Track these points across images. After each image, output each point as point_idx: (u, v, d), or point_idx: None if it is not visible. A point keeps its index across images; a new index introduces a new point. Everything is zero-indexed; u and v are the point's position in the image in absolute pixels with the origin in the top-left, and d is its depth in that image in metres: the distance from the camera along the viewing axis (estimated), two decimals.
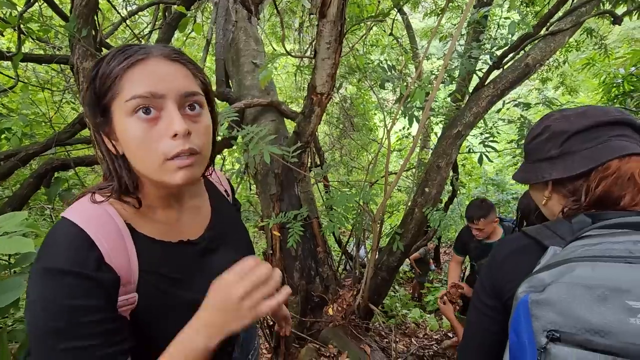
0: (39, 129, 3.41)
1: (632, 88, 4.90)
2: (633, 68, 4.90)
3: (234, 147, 2.64)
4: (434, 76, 2.18)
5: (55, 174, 2.69)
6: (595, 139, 0.63)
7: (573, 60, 5.64)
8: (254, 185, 2.79)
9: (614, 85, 5.04)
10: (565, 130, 0.66)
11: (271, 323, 2.56)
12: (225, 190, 0.84)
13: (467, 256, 2.50)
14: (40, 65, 3.79)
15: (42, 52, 3.63)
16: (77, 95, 3.52)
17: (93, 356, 0.48)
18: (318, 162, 3.05)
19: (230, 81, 2.92)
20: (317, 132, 5.62)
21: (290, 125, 2.99)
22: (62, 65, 3.13)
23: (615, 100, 5.05)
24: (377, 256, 2.46)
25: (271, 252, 2.41)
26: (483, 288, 0.69)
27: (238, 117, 2.13)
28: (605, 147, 0.62)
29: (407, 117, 2.21)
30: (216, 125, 0.64)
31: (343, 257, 3.41)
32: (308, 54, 3.88)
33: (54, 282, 0.48)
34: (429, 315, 3.71)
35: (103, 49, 2.39)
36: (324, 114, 5.13)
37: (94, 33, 1.97)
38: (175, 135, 0.52)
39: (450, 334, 3.22)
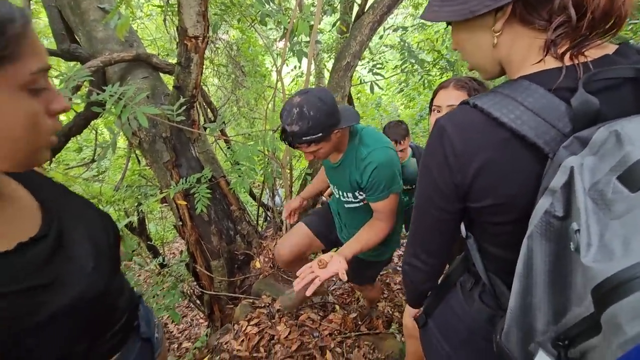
0: None
1: None
2: None
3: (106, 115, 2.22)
4: (313, 8, 2.07)
5: None
6: None
7: None
8: (143, 157, 2.45)
9: None
10: None
11: (199, 293, 2.47)
12: None
13: None
14: None
15: None
16: None
17: None
18: (212, 117, 2.79)
19: (76, 35, 2.34)
20: (208, 85, 5.10)
21: (170, 81, 2.61)
22: None
23: None
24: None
25: (181, 223, 2.23)
26: (439, 191, 0.53)
27: (93, 79, 1.74)
28: None
29: (295, 54, 2.11)
30: None
31: (261, 209, 3.37)
32: None
33: None
34: None
35: None
36: (211, 64, 4.62)
37: None
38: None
39: None
